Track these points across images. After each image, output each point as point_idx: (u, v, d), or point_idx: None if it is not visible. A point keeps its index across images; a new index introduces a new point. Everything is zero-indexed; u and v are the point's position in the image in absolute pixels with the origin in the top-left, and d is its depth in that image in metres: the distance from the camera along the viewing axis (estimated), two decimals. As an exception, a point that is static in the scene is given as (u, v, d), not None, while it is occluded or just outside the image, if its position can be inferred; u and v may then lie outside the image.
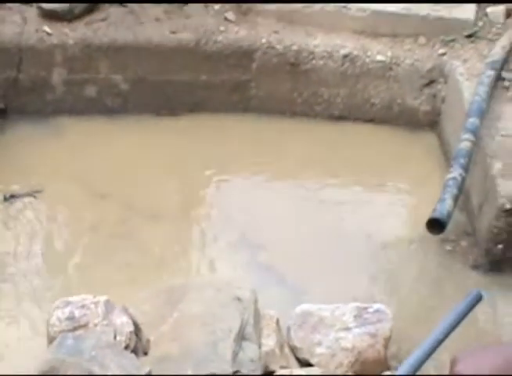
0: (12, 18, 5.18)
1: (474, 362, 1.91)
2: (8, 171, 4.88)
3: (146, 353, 3.11)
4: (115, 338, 3.04)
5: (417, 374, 2.64)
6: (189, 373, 2.87)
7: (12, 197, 4.70)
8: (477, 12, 5.40)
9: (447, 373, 1.99)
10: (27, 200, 4.72)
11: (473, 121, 4.56)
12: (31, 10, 5.23)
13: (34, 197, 4.73)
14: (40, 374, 2.83)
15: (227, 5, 5.43)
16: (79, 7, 5.19)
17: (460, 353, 1.97)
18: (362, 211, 4.82)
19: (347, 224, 4.71)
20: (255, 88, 5.42)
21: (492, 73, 4.83)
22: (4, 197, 4.68)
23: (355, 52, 5.28)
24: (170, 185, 4.84)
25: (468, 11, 5.39)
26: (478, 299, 3.49)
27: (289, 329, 3.25)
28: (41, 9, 5.19)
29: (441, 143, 5.25)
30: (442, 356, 2.81)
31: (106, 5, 5.34)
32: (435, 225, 4.22)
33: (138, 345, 3.10)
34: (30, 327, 3.80)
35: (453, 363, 1.93)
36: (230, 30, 5.33)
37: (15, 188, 4.74)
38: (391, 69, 5.27)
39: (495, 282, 4.30)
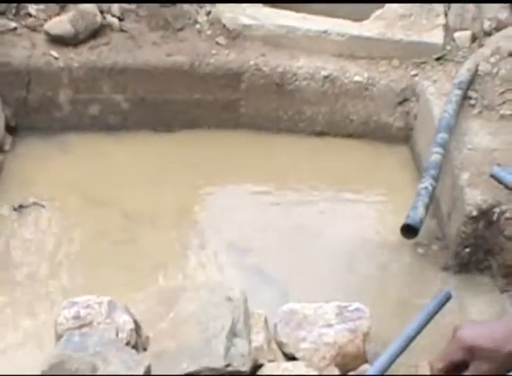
0: (21, 43, 5.17)
1: (475, 328, 1.91)
2: (17, 183, 4.89)
3: (145, 349, 3.11)
4: (117, 335, 3.05)
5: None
6: (185, 366, 2.88)
7: (21, 207, 4.69)
8: (445, 37, 5.41)
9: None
10: (34, 209, 4.72)
11: (442, 135, 4.58)
12: (39, 36, 5.22)
13: (42, 206, 4.73)
14: (49, 367, 2.84)
15: (218, 31, 5.43)
16: (83, 33, 5.19)
17: (464, 322, 1.98)
18: (341, 218, 4.84)
19: (328, 230, 4.71)
20: (244, 107, 5.43)
21: (459, 92, 4.84)
22: (13, 207, 4.68)
23: (335, 74, 5.29)
24: (166, 194, 4.83)
25: (437, 36, 5.40)
26: (448, 298, 3.51)
27: (276, 326, 3.26)
28: (48, 34, 5.18)
29: (413, 156, 5.26)
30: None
31: (108, 30, 5.34)
32: (409, 230, 4.23)
33: (138, 342, 3.10)
34: (37, 325, 3.81)
35: (455, 330, 1.93)
36: (221, 53, 5.34)
37: (24, 198, 4.74)
38: (367, 89, 5.28)
39: (463, 282, 4.31)
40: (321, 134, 5.45)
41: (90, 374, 2.81)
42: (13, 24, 5.25)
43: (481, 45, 5.30)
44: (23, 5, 5.32)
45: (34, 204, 4.74)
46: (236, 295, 3.21)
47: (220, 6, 5.57)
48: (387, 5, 5.63)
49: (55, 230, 4.61)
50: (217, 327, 3.03)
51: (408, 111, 5.31)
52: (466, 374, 1.88)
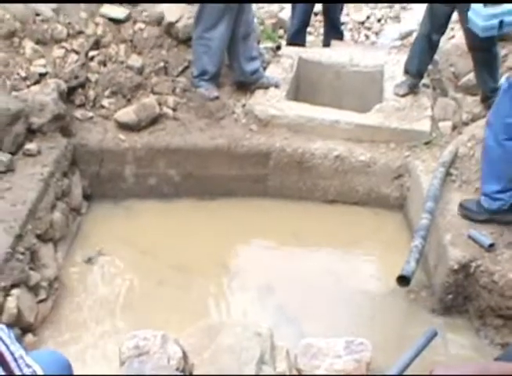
0: (96, 129, 5.26)
1: (448, 371, 1.88)
2: (90, 239, 4.95)
3: (191, 374, 3.11)
4: (168, 362, 3.03)
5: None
6: (222, 388, 2.89)
7: (90, 259, 4.75)
8: (431, 126, 5.43)
9: None
10: (102, 261, 4.76)
11: (429, 204, 4.59)
12: (110, 123, 5.30)
13: (108, 258, 4.78)
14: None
15: (251, 119, 5.48)
16: (145, 121, 5.26)
17: (437, 366, 1.94)
18: (349, 269, 4.82)
19: (338, 278, 4.71)
20: (271, 180, 5.45)
21: (442, 170, 4.84)
22: (85, 259, 4.74)
23: (344, 154, 5.30)
24: (208, 249, 4.85)
25: (425, 125, 5.41)
26: (434, 335, 3.51)
27: (295, 356, 3.24)
28: (117, 122, 5.27)
29: (406, 220, 5.24)
30: None
31: (164, 119, 5.40)
32: (403, 280, 4.22)
33: (185, 368, 3.08)
34: (105, 354, 3.83)
35: (431, 372, 1.90)
36: (253, 137, 5.37)
37: (94, 252, 4.80)
38: (369, 166, 5.28)
39: (446, 322, 4.29)
40: (333, 202, 5.46)
41: (147, 393, 2.83)
42: (90, 114, 5.34)
43: (460, 133, 5.31)
44: (98, 98, 5.41)
45: (101, 256, 4.80)
46: (264, 331, 3.20)
47: (252, 100, 5.63)
48: (385, 101, 5.68)
49: (119, 278, 4.65)
50: (248, 356, 3.01)
51: (402, 184, 5.31)
52: None
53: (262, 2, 8.01)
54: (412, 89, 5.75)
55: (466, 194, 4.72)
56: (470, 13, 4.52)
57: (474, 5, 4.45)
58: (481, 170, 4.51)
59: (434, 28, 5.42)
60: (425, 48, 5.60)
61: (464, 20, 4.83)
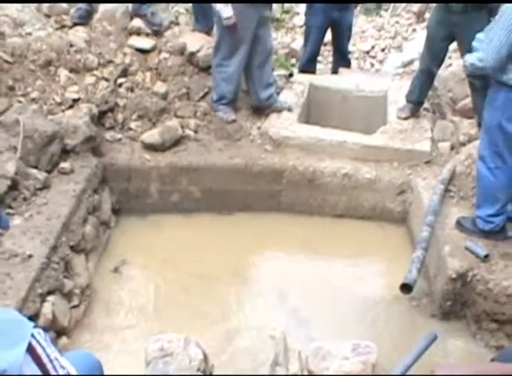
0: (124, 149, 5.30)
1: (447, 371, 1.87)
2: (118, 251, 4.97)
3: (211, 373, 3.11)
4: (190, 363, 3.04)
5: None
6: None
7: (117, 269, 4.77)
8: (431, 147, 5.44)
9: None
10: (128, 270, 4.77)
11: (430, 218, 4.59)
12: (137, 144, 5.34)
13: (134, 268, 4.78)
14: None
15: (266, 140, 5.50)
16: (168, 142, 5.30)
17: (437, 367, 1.92)
18: (354, 278, 4.80)
19: (347, 286, 4.69)
20: (284, 196, 5.45)
21: (442, 186, 4.85)
22: (112, 269, 4.75)
23: (351, 172, 5.31)
24: (226, 259, 4.85)
25: (426, 146, 5.42)
26: (434, 338, 3.50)
27: (307, 358, 3.24)
28: (143, 143, 5.30)
29: (409, 233, 5.24)
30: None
31: (186, 140, 5.43)
32: (405, 288, 4.22)
33: (206, 368, 3.09)
34: (132, 355, 3.83)
35: (432, 372, 1.88)
36: (268, 157, 5.38)
37: (121, 262, 4.83)
38: (375, 183, 5.29)
39: (445, 327, 4.27)
40: (341, 216, 5.45)
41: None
42: (119, 136, 5.38)
43: (457, 153, 5.32)
44: (126, 121, 5.44)
45: (128, 265, 4.81)
46: (277, 335, 3.21)
47: (267, 123, 5.65)
48: (389, 124, 5.69)
49: (144, 285, 4.65)
50: (263, 358, 3.02)
51: (405, 200, 5.31)
52: None
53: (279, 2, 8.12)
54: (414, 113, 5.77)
55: (464, 209, 4.72)
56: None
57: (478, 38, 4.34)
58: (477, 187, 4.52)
59: (433, 63, 5.46)
60: (425, 81, 5.64)
61: (464, 49, 4.79)
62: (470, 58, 4.06)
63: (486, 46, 3.92)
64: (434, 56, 5.39)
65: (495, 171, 4.22)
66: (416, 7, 6.83)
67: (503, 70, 3.97)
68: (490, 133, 4.19)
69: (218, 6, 5.14)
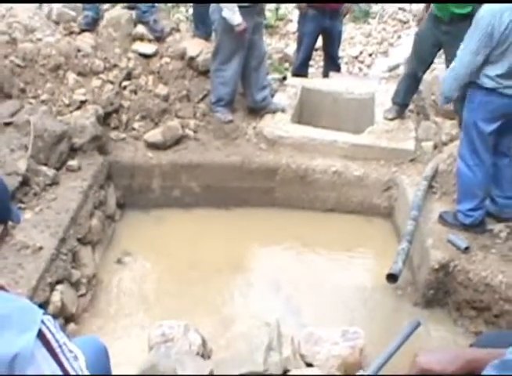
0: (128, 148, 5.30)
1: (428, 355, 1.87)
2: (122, 243, 4.97)
3: (209, 357, 3.11)
4: (190, 347, 3.06)
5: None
6: (236, 370, 2.89)
7: (120, 260, 4.78)
8: (416, 146, 5.45)
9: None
10: (131, 261, 4.79)
11: (414, 213, 4.61)
12: (140, 143, 5.34)
13: (136, 259, 4.80)
14: (144, 368, 2.88)
15: (261, 139, 5.49)
16: (170, 141, 5.30)
17: (420, 351, 1.92)
18: (345, 269, 4.82)
19: (336, 276, 4.71)
20: (278, 192, 5.45)
21: (425, 183, 4.86)
22: (116, 260, 4.76)
23: (341, 169, 5.32)
24: (223, 252, 4.87)
25: (410, 145, 5.43)
26: (418, 325, 3.49)
27: (299, 343, 3.24)
28: (146, 142, 5.30)
29: (394, 227, 5.25)
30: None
31: (186, 139, 5.42)
32: (391, 278, 4.24)
33: (204, 353, 3.10)
34: (136, 340, 3.84)
35: (414, 356, 1.89)
36: (263, 155, 5.39)
37: (125, 253, 4.85)
38: (363, 180, 5.29)
39: (428, 314, 4.29)
40: (331, 211, 5.45)
41: (172, 374, 2.84)
42: (123, 135, 5.38)
43: (440, 152, 5.33)
44: (129, 122, 5.44)
45: (132, 256, 4.82)
46: (272, 321, 3.21)
47: (262, 123, 5.65)
48: (376, 124, 5.69)
49: (147, 276, 4.66)
50: (258, 343, 3.02)
51: (391, 196, 5.31)
52: None
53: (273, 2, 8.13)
54: (400, 114, 5.77)
55: (446, 204, 4.74)
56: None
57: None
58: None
59: (420, 68, 5.44)
60: (411, 84, 5.63)
61: (450, 57, 4.75)
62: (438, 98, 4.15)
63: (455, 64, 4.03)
64: (422, 61, 5.38)
65: (473, 169, 4.24)
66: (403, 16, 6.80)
67: (478, 75, 4.00)
68: (468, 132, 4.21)
69: (228, 15, 5.13)
